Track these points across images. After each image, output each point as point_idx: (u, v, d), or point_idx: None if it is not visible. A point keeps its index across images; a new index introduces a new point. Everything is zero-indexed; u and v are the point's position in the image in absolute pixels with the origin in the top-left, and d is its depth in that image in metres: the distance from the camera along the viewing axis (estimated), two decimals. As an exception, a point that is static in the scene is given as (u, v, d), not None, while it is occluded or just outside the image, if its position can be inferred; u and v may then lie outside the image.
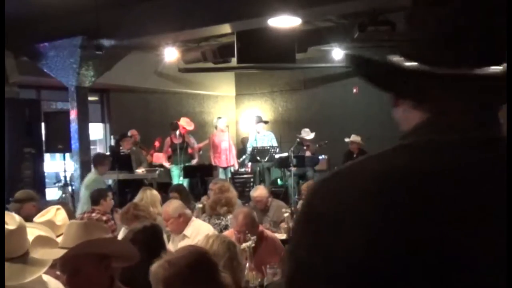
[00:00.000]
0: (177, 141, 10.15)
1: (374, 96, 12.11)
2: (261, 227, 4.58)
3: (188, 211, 4.87)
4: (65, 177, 9.02)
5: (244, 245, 3.68)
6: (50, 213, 3.02)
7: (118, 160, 9.35)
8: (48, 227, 2.62)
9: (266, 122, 11.42)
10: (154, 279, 2.15)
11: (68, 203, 8.28)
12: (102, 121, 11.75)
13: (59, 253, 2.21)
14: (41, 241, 2.22)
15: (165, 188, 9.73)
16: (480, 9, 0.87)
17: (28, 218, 5.25)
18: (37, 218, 3.03)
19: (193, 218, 4.82)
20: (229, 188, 5.76)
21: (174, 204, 4.76)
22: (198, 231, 4.46)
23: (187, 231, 4.58)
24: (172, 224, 4.64)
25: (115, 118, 11.57)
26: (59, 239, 2.41)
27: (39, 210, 5.53)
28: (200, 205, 6.16)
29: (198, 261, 2.16)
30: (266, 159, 10.26)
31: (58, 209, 3.08)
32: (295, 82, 12.66)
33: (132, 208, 4.92)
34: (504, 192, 0.83)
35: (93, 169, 7.73)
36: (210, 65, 10.72)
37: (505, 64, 0.86)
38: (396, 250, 0.80)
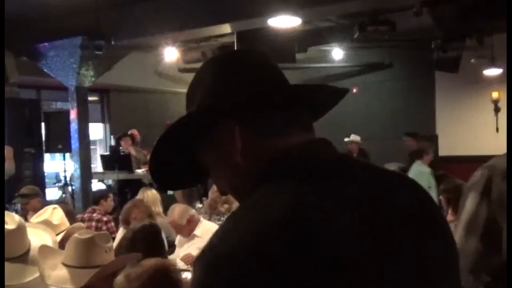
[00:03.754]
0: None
1: (374, 96, 12.13)
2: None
3: (193, 211, 4.80)
4: (65, 177, 9.02)
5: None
6: (47, 213, 3.00)
7: (118, 160, 9.35)
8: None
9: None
10: None
11: (68, 203, 8.29)
12: (102, 121, 11.75)
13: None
14: (46, 253, 2.19)
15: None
16: None
17: (35, 213, 5.29)
18: (34, 218, 3.01)
19: (201, 219, 4.79)
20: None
21: (179, 210, 4.63)
22: (208, 231, 4.38)
23: (197, 231, 4.57)
24: (183, 231, 4.61)
25: (115, 118, 11.56)
26: (59, 237, 2.40)
27: (43, 205, 5.56)
28: (201, 205, 6.16)
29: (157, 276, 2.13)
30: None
31: (54, 208, 3.06)
32: (295, 82, 12.56)
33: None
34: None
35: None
36: (210, 65, 10.68)
37: None
38: None
